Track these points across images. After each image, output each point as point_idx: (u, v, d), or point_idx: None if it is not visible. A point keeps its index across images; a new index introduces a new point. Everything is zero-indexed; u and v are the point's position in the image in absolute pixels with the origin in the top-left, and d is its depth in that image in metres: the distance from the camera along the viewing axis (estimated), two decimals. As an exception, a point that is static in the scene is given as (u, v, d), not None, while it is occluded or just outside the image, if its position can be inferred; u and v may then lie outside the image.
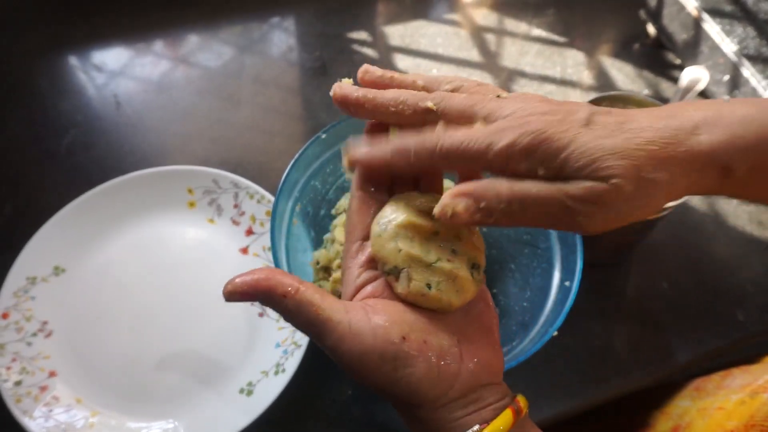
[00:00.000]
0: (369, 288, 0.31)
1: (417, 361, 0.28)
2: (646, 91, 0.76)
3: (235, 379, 0.52)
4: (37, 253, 0.55)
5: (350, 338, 0.27)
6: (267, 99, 0.70)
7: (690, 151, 0.27)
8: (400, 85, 0.33)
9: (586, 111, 0.28)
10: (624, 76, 0.77)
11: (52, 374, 0.51)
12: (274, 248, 0.46)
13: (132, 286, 0.56)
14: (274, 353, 0.53)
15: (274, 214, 0.48)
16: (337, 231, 0.52)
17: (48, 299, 0.54)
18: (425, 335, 0.29)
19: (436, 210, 0.28)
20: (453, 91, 0.32)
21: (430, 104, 0.31)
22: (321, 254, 0.52)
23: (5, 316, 0.52)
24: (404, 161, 0.30)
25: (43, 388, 0.50)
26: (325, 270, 0.52)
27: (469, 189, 0.28)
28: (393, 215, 0.31)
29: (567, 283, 0.48)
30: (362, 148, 0.31)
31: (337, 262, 0.51)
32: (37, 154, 0.63)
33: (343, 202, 0.56)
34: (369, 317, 0.28)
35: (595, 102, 0.59)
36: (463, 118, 0.30)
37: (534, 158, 0.27)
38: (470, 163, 0.29)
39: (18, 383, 0.49)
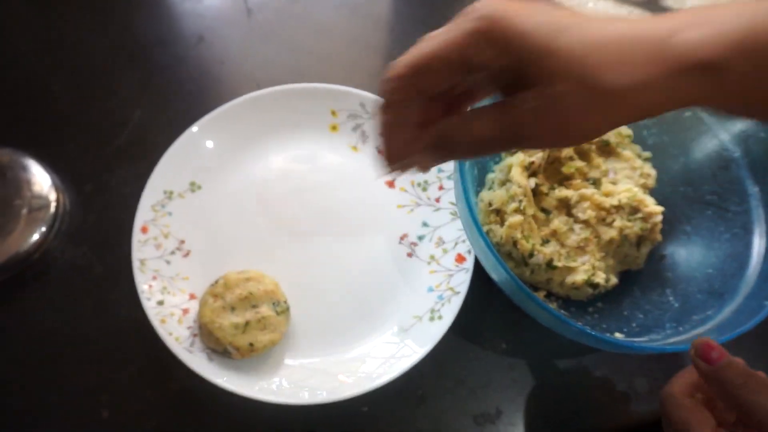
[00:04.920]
0: None
1: None
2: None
3: (384, 320, 0.48)
4: (172, 166, 0.51)
5: None
6: (417, 20, 0.62)
7: (667, 51, 0.23)
8: None
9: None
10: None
11: (192, 297, 0.48)
12: (464, 186, 0.41)
13: (269, 209, 0.52)
14: (427, 298, 0.49)
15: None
16: (515, 171, 0.46)
17: (184, 217, 0.50)
18: None
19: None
20: None
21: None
22: (495, 196, 0.47)
23: (144, 230, 0.48)
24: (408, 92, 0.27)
25: (185, 311, 0.47)
26: (497, 213, 0.47)
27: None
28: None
29: (781, 253, 0.43)
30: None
31: (513, 206, 0.45)
32: (165, 59, 0.58)
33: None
34: None
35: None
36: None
37: (492, 48, 0.24)
38: (439, 61, 0.25)
39: (161, 303, 0.46)
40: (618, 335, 0.44)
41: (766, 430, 0.30)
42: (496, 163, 0.50)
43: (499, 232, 0.45)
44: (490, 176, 0.50)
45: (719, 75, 0.23)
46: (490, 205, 0.47)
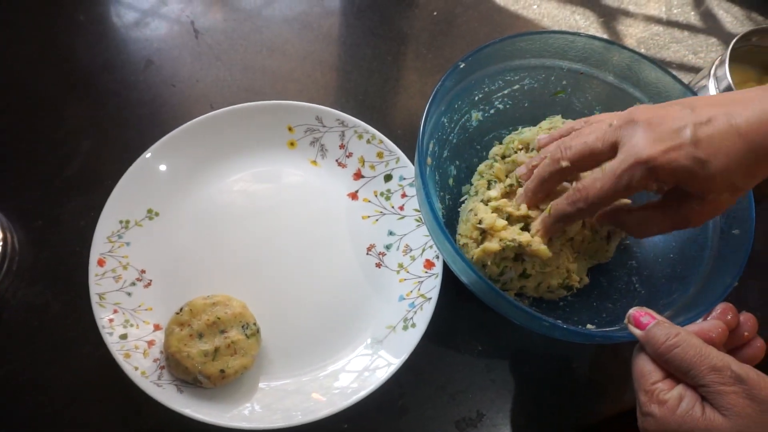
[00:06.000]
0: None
1: None
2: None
3: (358, 333, 0.48)
4: (127, 194, 0.49)
5: None
6: (367, 31, 0.62)
7: None
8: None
9: (689, 131, 0.34)
10: (732, 17, 0.71)
11: (157, 328, 0.46)
12: (426, 192, 0.41)
13: (231, 231, 0.51)
14: (399, 307, 0.48)
15: (419, 151, 0.42)
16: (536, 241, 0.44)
17: (143, 245, 0.49)
18: None
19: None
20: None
21: (564, 164, 0.40)
22: (488, 218, 0.44)
23: (101, 263, 0.46)
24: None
25: (151, 343, 0.45)
26: (482, 233, 0.45)
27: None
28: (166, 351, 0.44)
29: (736, 232, 0.44)
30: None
31: (501, 224, 0.44)
32: (113, 85, 0.56)
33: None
34: None
35: (746, 36, 0.54)
36: (588, 163, 0.39)
37: (656, 183, 0.35)
38: (612, 200, 0.38)
39: (123, 336, 0.44)
40: (590, 326, 0.45)
41: (690, 380, 0.31)
42: (451, 163, 0.51)
43: (472, 251, 0.45)
44: (472, 186, 0.50)
45: None
46: (480, 222, 0.44)
